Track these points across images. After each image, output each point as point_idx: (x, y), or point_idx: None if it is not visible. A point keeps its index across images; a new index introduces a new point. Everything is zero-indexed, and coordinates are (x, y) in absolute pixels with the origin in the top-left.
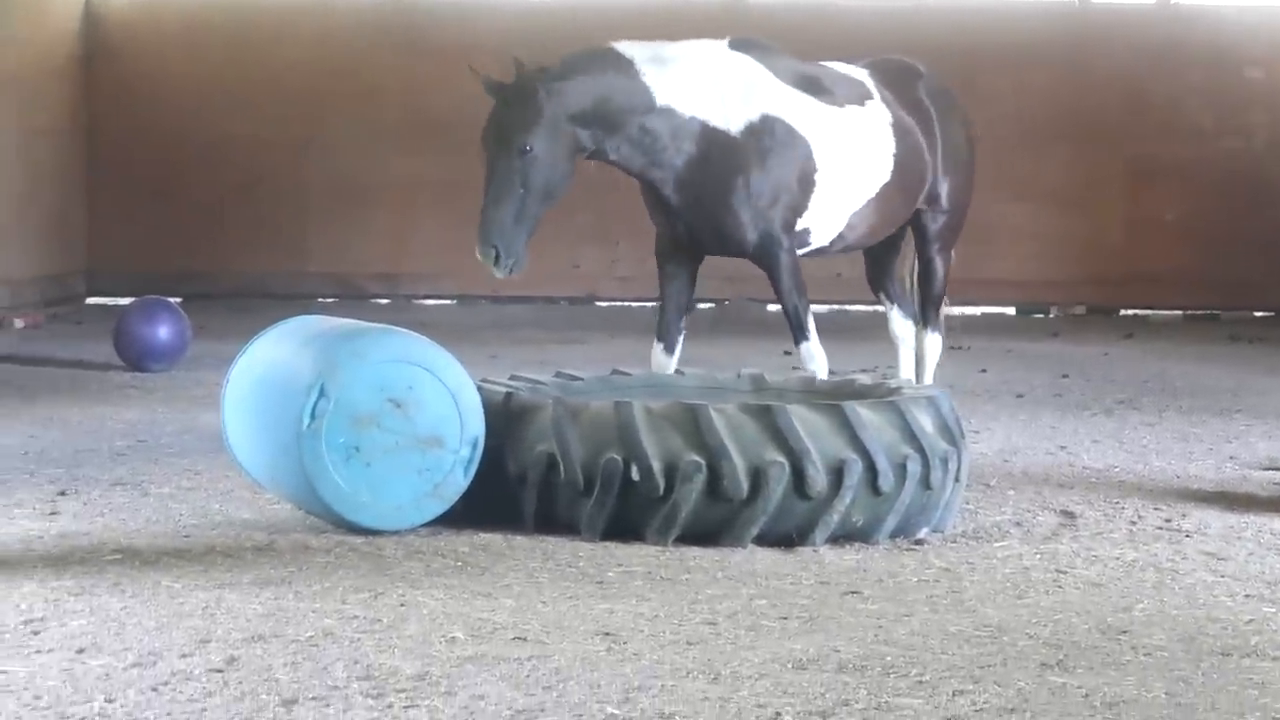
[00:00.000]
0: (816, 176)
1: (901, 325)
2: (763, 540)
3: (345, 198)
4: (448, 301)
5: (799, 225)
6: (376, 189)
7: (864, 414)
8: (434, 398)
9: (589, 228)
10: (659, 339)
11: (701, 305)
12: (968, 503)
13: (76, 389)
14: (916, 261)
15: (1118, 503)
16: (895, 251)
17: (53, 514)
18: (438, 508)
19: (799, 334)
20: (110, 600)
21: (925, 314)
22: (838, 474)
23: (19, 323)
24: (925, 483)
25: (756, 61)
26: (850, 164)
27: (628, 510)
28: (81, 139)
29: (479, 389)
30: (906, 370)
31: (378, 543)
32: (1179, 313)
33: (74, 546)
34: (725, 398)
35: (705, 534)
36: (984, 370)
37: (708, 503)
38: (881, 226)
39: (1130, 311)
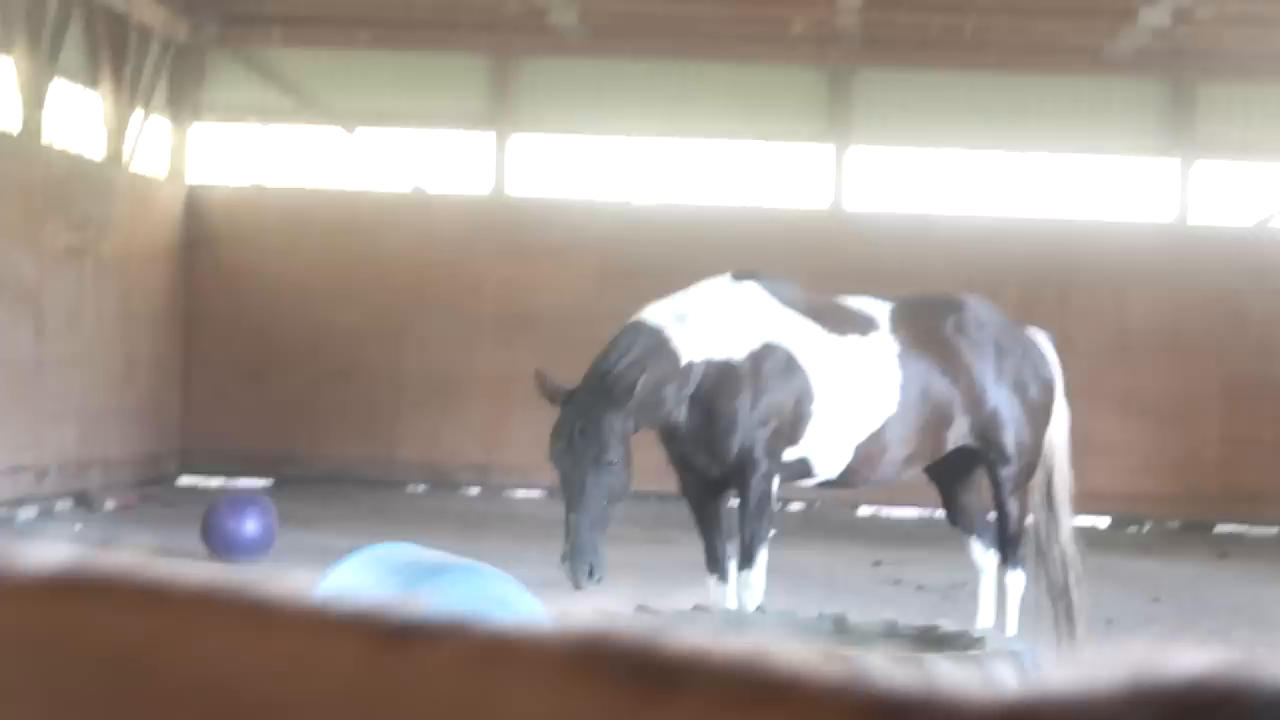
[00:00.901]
0: (813, 406)
1: (981, 555)
2: None
3: (439, 388)
4: (537, 494)
5: (797, 454)
6: (470, 381)
7: (945, 668)
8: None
9: None
10: (710, 571)
11: (792, 506)
12: None
13: None
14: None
15: None
16: (965, 484)
17: None
18: None
19: (745, 560)
20: None
21: (1003, 553)
22: None
23: (110, 504)
24: None
25: (762, 289)
26: (851, 395)
27: None
28: (180, 323)
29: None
30: (985, 598)
31: None
32: (1275, 530)
33: None
34: (805, 639)
35: None
36: None
37: None
38: (906, 460)
39: (1225, 528)
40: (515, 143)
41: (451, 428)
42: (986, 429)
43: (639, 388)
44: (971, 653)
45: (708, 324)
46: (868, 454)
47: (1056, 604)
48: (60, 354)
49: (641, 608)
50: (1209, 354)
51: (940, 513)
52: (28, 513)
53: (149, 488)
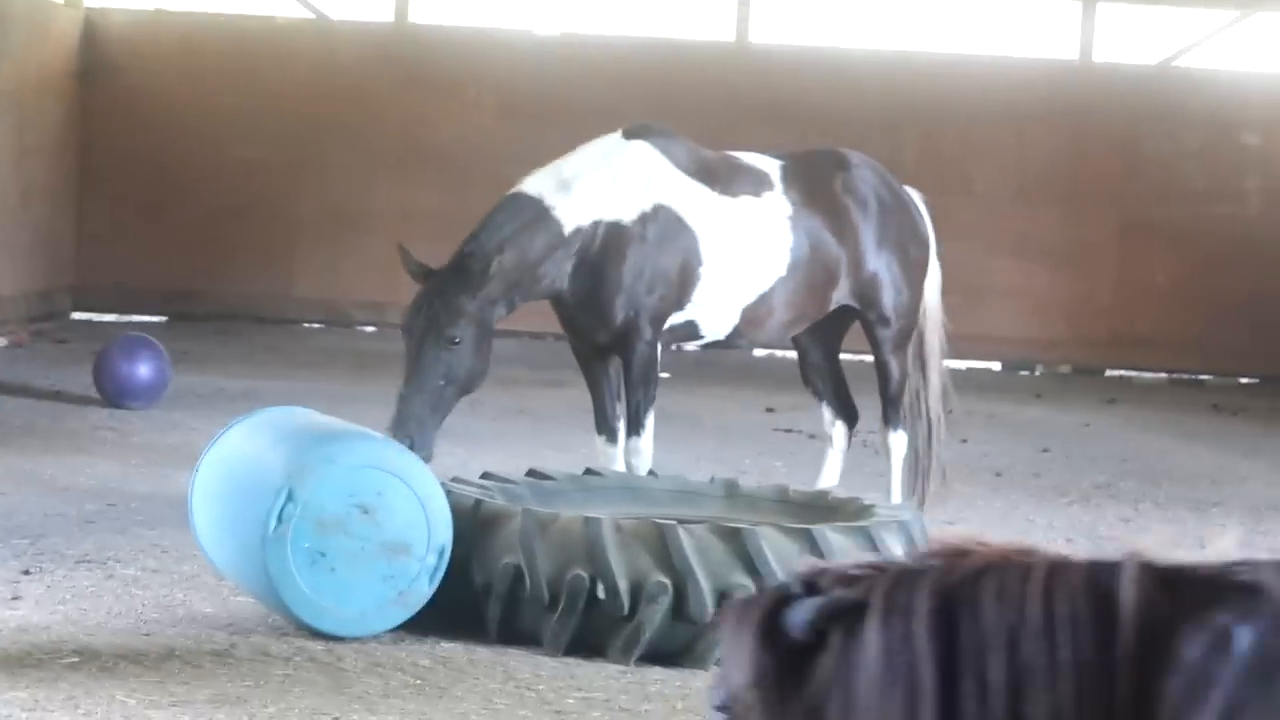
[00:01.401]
0: (701, 269)
1: (831, 425)
2: None
3: (337, 224)
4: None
5: (684, 317)
6: (369, 216)
7: (834, 539)
8: (403, 505)
9: None
10: (599, 432)
11: (688, 347)
12: None
13: (53, 430)
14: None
15: None
16: (825, 349)
17: (15, 599)
18: (401, 615)
19: (633, 428)
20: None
21: (885, 413)
22: None
23: (2, 341)
24: None
25: (653, 148)
26: (740, 257)
27: (592, 627)
28: (74, 155)
29: (448, 491)
30: (829, 467)
31: (338, 651)
32: (1164, 376)
33: (33, 645)
34: (698, 503)
35: (669, 655)
36: (964, 440)
37: (672, 624)
38: (790, 323)
39: (1116, 373)
40: None
41: (348, 265)
42: (867, 290)
43: (493, 268)
44: (860, 522)
45: (595, 186)
46: (754, 316)
47: (917, 462)
48: None
49: (534, 472)
50: (1106, 197)
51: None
52: None
53: (41, 324)
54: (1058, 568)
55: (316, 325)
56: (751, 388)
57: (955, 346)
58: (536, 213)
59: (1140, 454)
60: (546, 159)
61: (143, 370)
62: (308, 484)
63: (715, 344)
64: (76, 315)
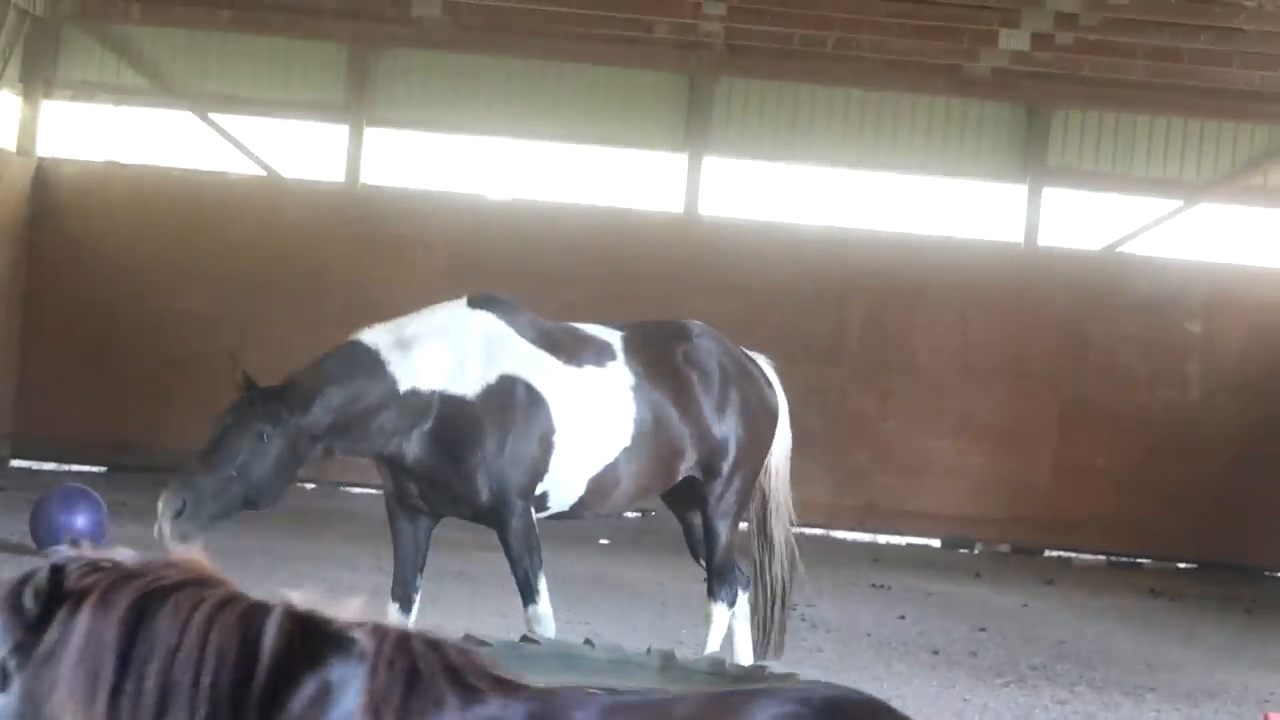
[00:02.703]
0: (555, 438)
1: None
2: None
3: (281, 380)
4: (375, 492)
5: (539, 488)
6: None
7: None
8: None
9: None
10: (394, 599)
11: (628, 515)
12: None
13: None
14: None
15: None
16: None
17: None
18: None
19: (528, 597)
20: None
21: (710, 583)
22: None
23: None
24: None
25: (497, 319)
26: (588, 426)
27: None
28: (19, 303)
29: None
30: (714, 643)
31: None
32: (1103, 558)
33: None
34: (633, 674)
35: None
36: (903, 617)
37: None
38: (633, 494)
39: (1054, 553)
40: (371, 135)
41: None
42: (711, 460)
43: (324, 394)
44: None
45: (435, 354)
46: (600, 486)
47: (761, 626)
48: None
49: (468, 636)
50: (1048, 378)
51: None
52: None
53: None
54: (226, 601)
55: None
56: (688, 558)
57: (895, 523)
58: (371, 363)
59: (1078, 637)
60: None
61: (80, 521)
62: None
63: (559, 515)
64: (15, 463)
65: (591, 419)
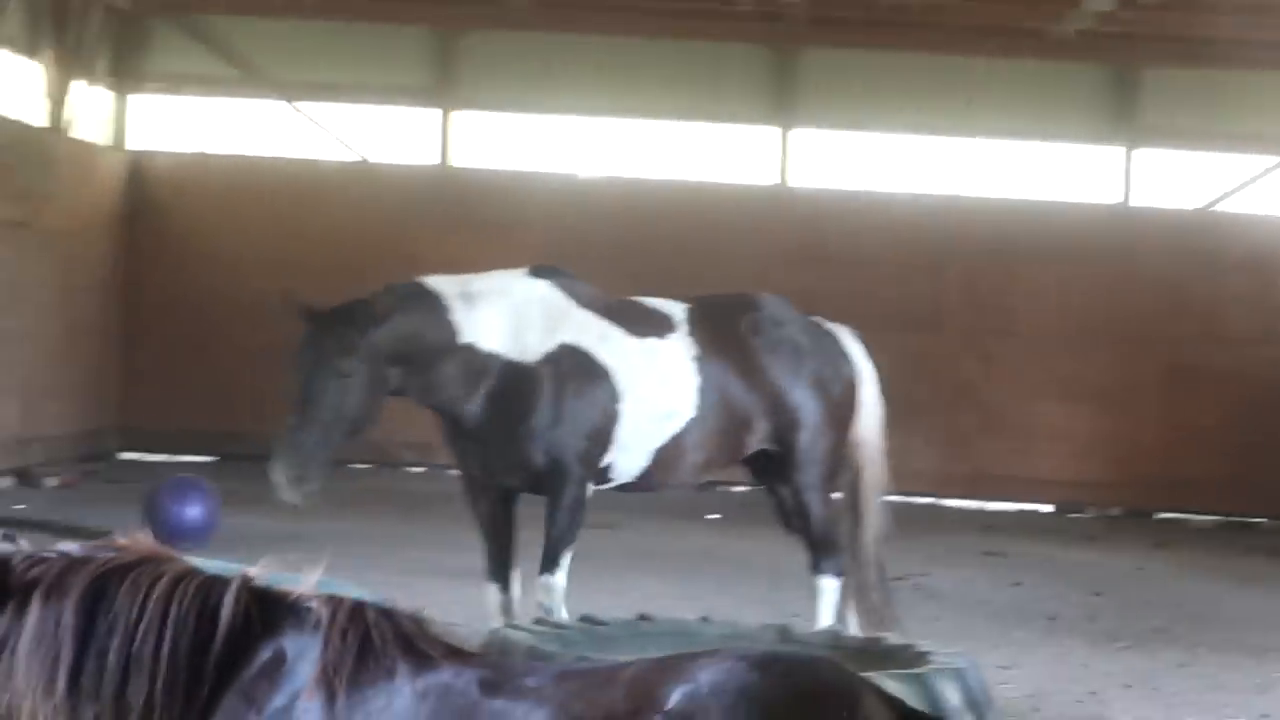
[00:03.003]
0: (618, 408)
1: (813, 568)
2: None
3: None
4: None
5: (602, 460)
6: None
7: (889, 687)
8: None
9: None
10: (491, 579)
11: (735, 489)
12: None
13: None
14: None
15: None
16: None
17: None
18: None
19: (549, 566)
20: None
21: (812, 558)
22: None
23: (52, 481)
24: None
25: (556, 288)
26: (650, 397)
27: None
28: (121, 295)
29: (506, 636)
30: (824, 612)
31: None
32: (1214, 519)
33: None
34: None
35: None
36: (1017, 584)
37: None
38: (702, 466)
39: (1166, 516)
40: (460, 118)
41: (395, 405)
42: (784, 433)
43: (392, 320)
44: (915, 669)
45: (497, 315)
46: (666, 457)
47: (861, 604)
48: (0, 328)
49: (586, 617)
50: (1150, 339)
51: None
52: None
53: (90, 464)
54: (184, 575)
55: (364, 466)
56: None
57: (1006, 489)
58: (433, 305)
59: (1194, 598)
60: None
61: (192, 511)
62: None
63: (626, 487)
64: (125, 455)
65: (654, 390)
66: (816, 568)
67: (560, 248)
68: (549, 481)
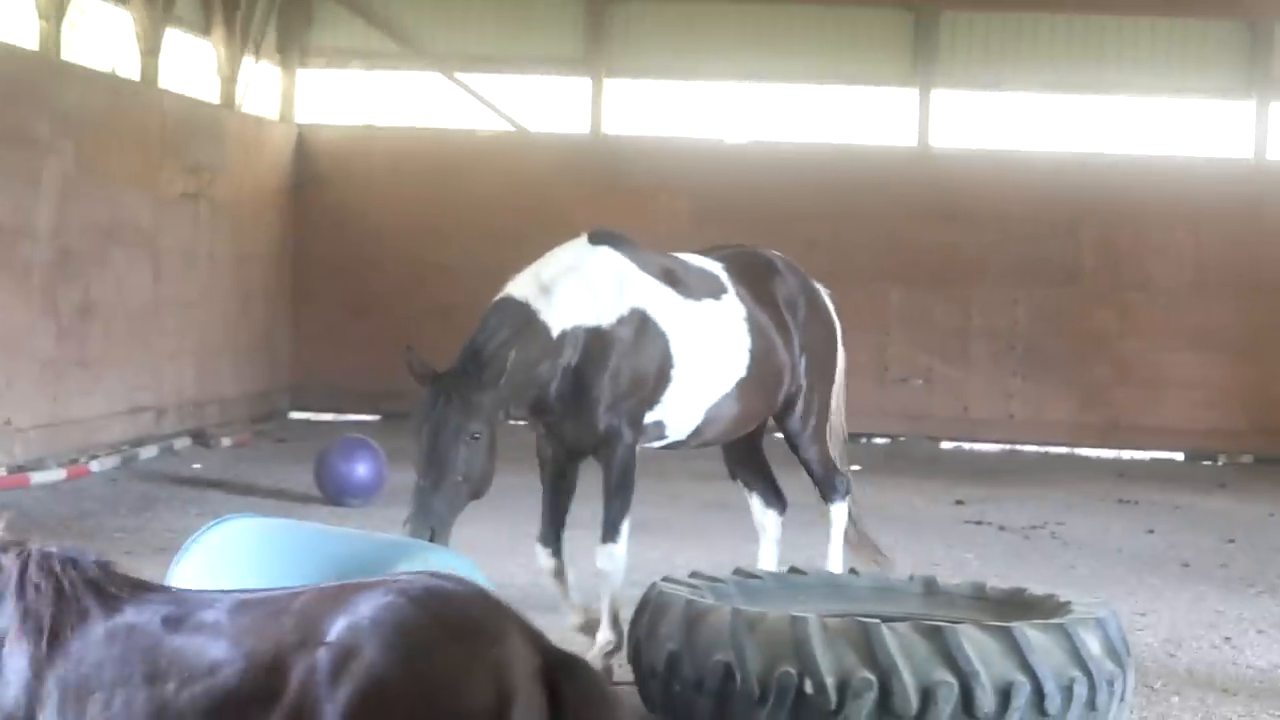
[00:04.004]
0: (673, 371)
1: (763, 514)
2: None
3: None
4: None
5: (654, 418)
6: None
7: (1033, 636)
8: None
9: None
10: (542, 543)
11: (878, 440)
12: (1132, 710)
13: None
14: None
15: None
16: (748, 441)
17: None
18: None
19: (609, 533)
20: None
21: (821, 491)
22: (1005, 695)
23: (226, 441)
24: (1091, 704)
25: (618, 254)
26: (706, 358)
27: None
28: (289, 262)
29: (663, 589)
30: (765, 560)
31: None
32: None
33: None
34: (897, 600)
35: None
36: (1151, 531)
37: (878, 718)
38: (741, 422)
39: None
40: (610, 86)
41: None
42: (795, 392)
43: (509, 365)
44: (1057, 619)
45: (573, 292)
46: (715, 415)
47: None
48: (176, 295)
49: (740, 571)
50: None
51: (1022, 447)
52: (148, 452)
53: (262, 424)
54: None
55: (522, 422)
56: (939, 479)
57: (1137, 439)
58: (528, 317)
59: None
60: None
61: (361, 469)
62: None
63: (673, 444)
64: (294, 415)
65: (710, 352)
66: (826, 498)
67: (706, 210)
68: (605, 446)
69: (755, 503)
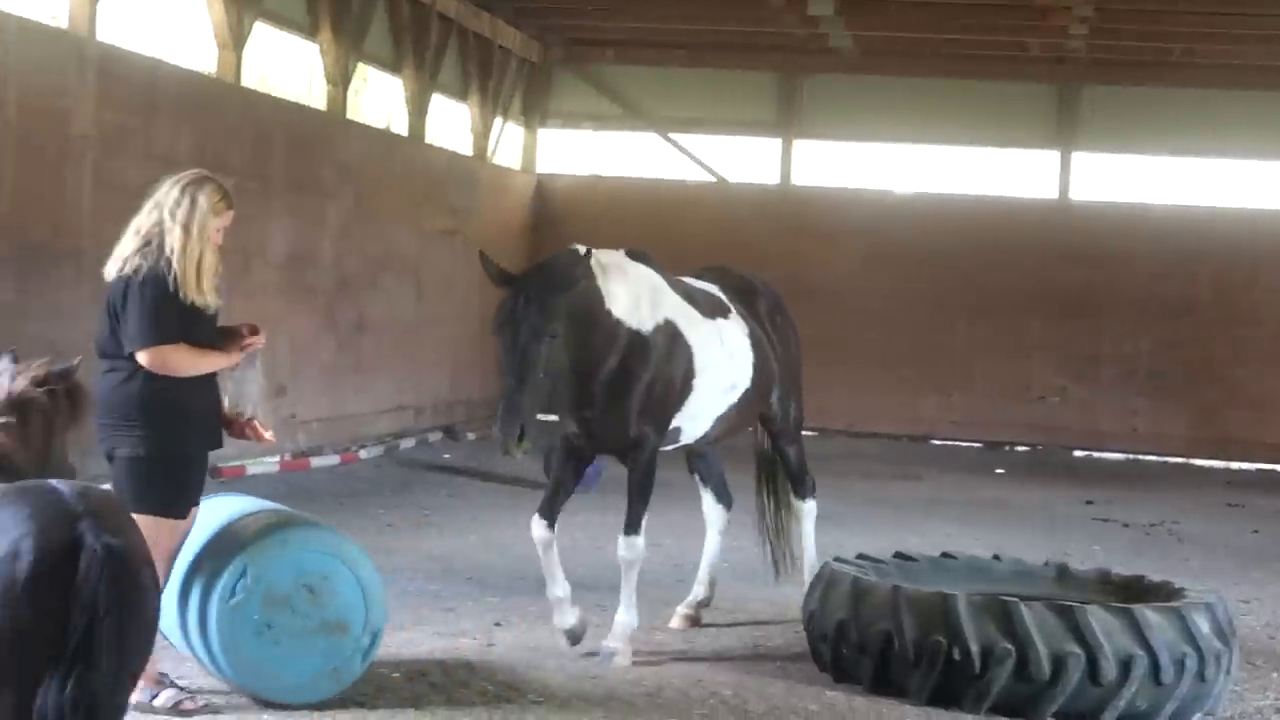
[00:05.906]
0: (695, 381)
1: (713, 509)
2: (1060, 718)
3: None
4: (810, 434)
5: (674, 424)
6: None
7: (1151, 616)
8: (345, 588)
9: (928, 379)
10: (541, 515)
11: (1020, 448)
12: (1236, 684)
13: (515, 509)
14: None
15: None
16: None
17: (490, 645)
18: (333, 688)
19: (630, 528)
20: None
21: (795, 490)
22: (1126, 667)
23: (471, 435)
24: (1200, 676)
25: (652, 269)
26: (720, 371)
27: (948, 683)
28: None
29: (831, 570)
30: (709, 551)
31: (742, 694)
32: None
33: (503, 683)
34: (1034, 582)
35: (1012, 709)
36: (1256, 531)
37: (1015, 683)
38: (740, 425)
39: None
40: (798, 145)
41: None
42: (772, 399)
43: (580, 270)
44: (1173, 603)
45: (622, 286)
46: (722, 422)
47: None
48: (435, 315)
49: (899, 554)
50: None
51: (1143, 457)
52: (407, 443)
53: None
54: None
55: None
56: (1072, 483)
57: (1249, 453)
58: (588, 270)
59: None
60: (904, 297)
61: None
62: (260, 562)
63: (682, 447)
64: None
65: (723, 365)
66: (799, 495)
67: (877, 251)
68: (633, 449)
69: (708, 498)
